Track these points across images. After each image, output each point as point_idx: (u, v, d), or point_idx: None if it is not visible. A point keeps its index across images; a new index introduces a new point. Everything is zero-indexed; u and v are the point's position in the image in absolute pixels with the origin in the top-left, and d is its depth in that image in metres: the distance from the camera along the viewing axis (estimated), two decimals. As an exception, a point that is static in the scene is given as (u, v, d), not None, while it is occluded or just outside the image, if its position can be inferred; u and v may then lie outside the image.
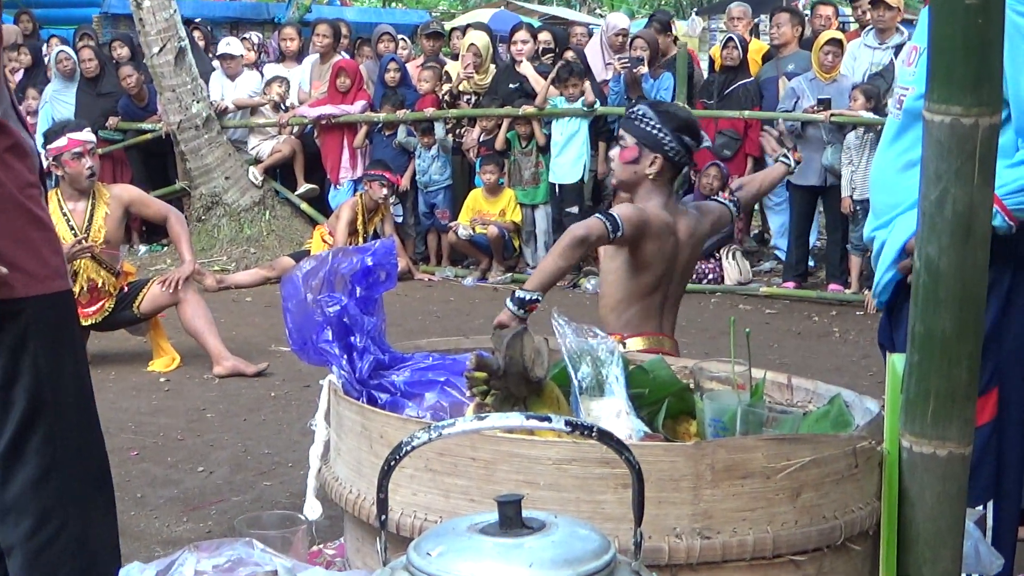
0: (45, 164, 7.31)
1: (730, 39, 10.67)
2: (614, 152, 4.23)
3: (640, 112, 4.17)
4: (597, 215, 3.94)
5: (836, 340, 8.50)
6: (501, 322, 3.60)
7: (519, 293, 3.70)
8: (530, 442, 2.02)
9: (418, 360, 2.65)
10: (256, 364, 7.39)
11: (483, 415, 1.64)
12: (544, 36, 11.46)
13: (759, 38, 12.09)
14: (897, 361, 2.10)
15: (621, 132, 4.21)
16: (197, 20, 14.08)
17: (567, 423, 1.56)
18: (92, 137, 7.39)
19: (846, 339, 8.47)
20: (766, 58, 11.02)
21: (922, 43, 3.29)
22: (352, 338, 2.55)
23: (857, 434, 2.17)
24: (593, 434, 1.57)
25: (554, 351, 2.46)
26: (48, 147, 7.18)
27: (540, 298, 3.69)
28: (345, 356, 2.52)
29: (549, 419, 1.57)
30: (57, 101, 11.98)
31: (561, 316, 2.54)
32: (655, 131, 4.09)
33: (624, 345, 4.03)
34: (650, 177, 4.10)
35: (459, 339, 2.92)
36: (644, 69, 10.49)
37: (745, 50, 10.67)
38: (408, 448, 1.56)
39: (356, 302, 2.56)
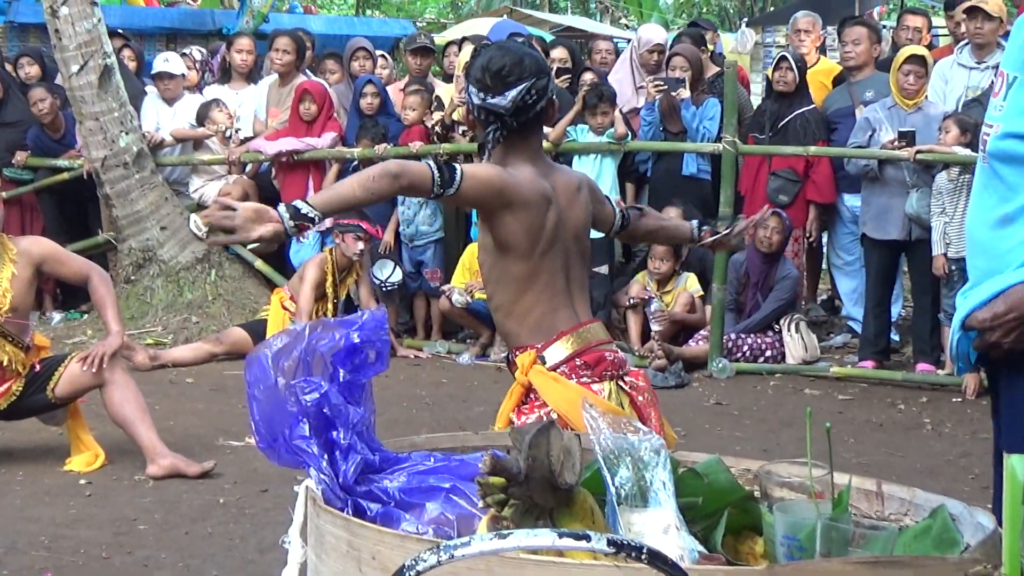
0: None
1: (783, 58, 10.69)
2: None
3: None
4: (429, 161, 4.01)
5: (928, 434, 8.49)
6: (262, 237, 3.60)
7: (298, 202, 3.69)
8: (561, 566, 2.03)
9: (416, 461, 2.65)
10: (200, 463, 7.38)
11: (503, 531, 1.64)
12: (558, 52, 11.54)
13: (825, 55, 12.15)
14: (1017, 463, 2.11)
15: None
16: (121, 31, 14.16)
17: (610, 542, 1.57)
18: None
19: (940, 432, 8.47)
20: (837, 81, 11.02)
21: (1011, 68, 3.33)
22: (334, 433, 2.56)
23: (968, 556, 2.18)
24: (643, 556, 1.57)
25: (586, 450, 2.47)
26: None
27: (317, 218, 3.69)
28: (326, 456, 2.53)
29: (588, 537, 1.58)
30: (-48, 132, 12.06)
31: (594, 408, 2.56)
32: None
33: (544, 361, 4.15)
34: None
35: (467, 435, 2.93)
36: (685, 93, 10.54)
37: (802, 71, 10.71)
38: (411, 573, 1.57)
39: (339, 388, 2.57)
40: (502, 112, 4.11)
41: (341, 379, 2.58)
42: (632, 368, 4.38)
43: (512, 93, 4.10)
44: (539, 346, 4.16)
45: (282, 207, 3.65)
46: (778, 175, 10.56)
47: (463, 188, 3.90)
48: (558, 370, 4.15)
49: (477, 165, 4.10)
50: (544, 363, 4.14)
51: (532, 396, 4.19)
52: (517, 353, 4.21)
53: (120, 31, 14.29)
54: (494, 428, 4.20)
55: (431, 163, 3.92)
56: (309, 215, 3.64)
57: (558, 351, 4.14)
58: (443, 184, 3.86)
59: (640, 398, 4.25)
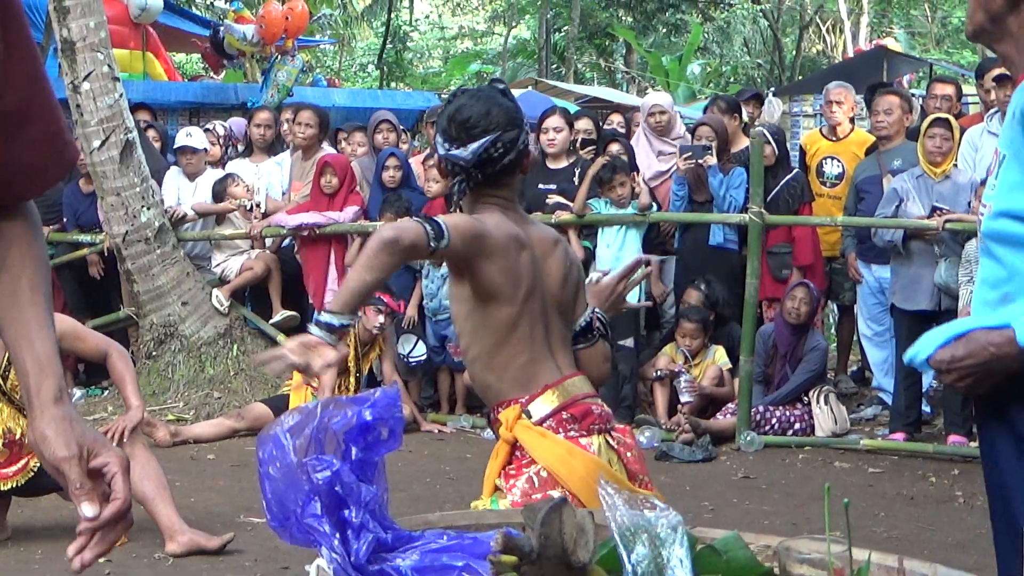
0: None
1: (760, 134, 10.84)
2: None
3: None
4: (415, 218, 3.97)
5: (960, 507, 8.44)
6: (303, 344, 3.63)
7: (324, 316, 3.69)
8: (573, 645, 2.03)
9: (429, 539, 2.65)
10: (220, 536, 7.36)
11: (514, 611, 1.65)
12: (583, 124, 11.61)
13: (853, 123, 12.19)
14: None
15: None
16: (146, 105, 14.29)
17: (620, 622, 1.57)
18: None
19: (972, 505, 8.40)
20: (870, 151, 11.01)
21: (1003, 147, 3.36)
22: (346, 512, 2.56)
23: (988, 634, 2.17)
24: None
25: (601, 527, 2.47)
26: None
27: (350, 322, 3.73)
28: (337, 535, 2.53)
29: (597, 617, 1.58)
30: (-28, 208, 12.13)
31: (609, 484, 2.56)
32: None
33: (530, 415, 4.08)
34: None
35: (481, 512, 2.94)
36: (712, 160, 10.60)
37: (780, 144, 10.93)
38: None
39: (351, 466, 2.57)
40: (463, 165, 4.07)
41: (354, 457, 2.59)
42: (618, 424, 4.30)
43: (474, 146, 4.05)
44: (523, 400, 4.09)
45: (314, 328, 3.69)
46: (773, 252, 10.66)
47: (452, 239, 3.85)
48: (544, 424, 4.08)
49: (451, 215, 4.06)
50: (530, 417, 4.08)
51: (518, 455, 4.11)
52: (499, 409, 4.15)
53: (146, 105, 14.46)
54: (481, 495, 4.17)
55: (418, 219, 3.89)
56: (341, 324, 3.69)
57: (543, 405, 4.08)
58: (436, 237, 3.82)
59: (629, 454, 4.19)
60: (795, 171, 10.91)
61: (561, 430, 4.07)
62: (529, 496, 3.97)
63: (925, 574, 2.69)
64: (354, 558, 2.54)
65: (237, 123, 14.35)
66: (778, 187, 10.66)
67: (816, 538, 2.68)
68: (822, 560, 2.61)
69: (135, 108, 13.82)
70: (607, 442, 4.14)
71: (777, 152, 10.76)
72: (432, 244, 3.82)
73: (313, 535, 2.55)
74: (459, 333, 4.23)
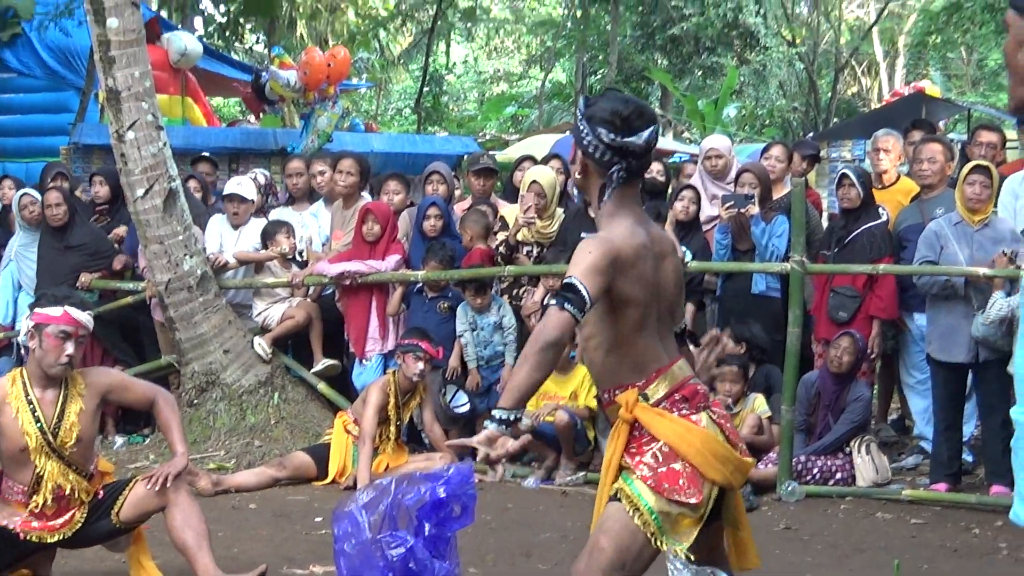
0: (23, 330, 7.41)
1: (844, 175, 10.74)
2: None
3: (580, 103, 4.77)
4: (558, 299, 4.38)
5: (1004, 559, 8.37)
6: (488, 438, 4.31)
7: (499, 413, 4.32)
8: None
9: (501, 614, 2.69)
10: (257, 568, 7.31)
11: None
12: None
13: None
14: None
15: None
16: (206, 153, 14.44)
17: None
18: (90, 324, 7.37)
19: (1016, 558, 8.35)
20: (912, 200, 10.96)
21: None
22: (420, 588, 2.60)
23: None
24: None
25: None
26: (36, 310, 7.21)
27: (520, 416, 4.31)
28: (412, 611, 2.57)
29: None
30: (23, 259, 12.22)
31: (677, 559, 2.59)
32: (578, 124, 4.70)
33: (647, 398, 4.62)
34: (588, 184, 4.76)
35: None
36: (755, 209, 10.63)
37: (866, 187, 10.73)
38: None
39: (424, 542, 2.61)
40: (635, 150, 4.60)
41: (427, 533, 2.63)
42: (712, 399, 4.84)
43: (645, 134, 4.61)
44: (640, 384, 4.62)
45: (490, 424, 4.36)
46: (837, 292, 10.57)
47: (594, 296, 4.37)
48: (660, 405, 4.61)
49: (582, 263, 4.44)
50: (647, 400, 4.61)
51: (636, 434, 4.64)
52: (616, 392, 4.66)
53: (205, 154, 14.63)
54: (606, 474, 4.68)
55: (562, 303, 4.34)
56: (515, 417, 4.32)
57: (658, 388, 4.62)
58: (581, 310, 4.33)
59: (727, 425, 4.74)
60: (882, 220, 10.70)
61: (675, 410, 4.62)
62: (655, 470, 4.52)
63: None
64: (428, 634, 2.57)
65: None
66: (859, 231, 10.56)
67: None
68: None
69: (196, 160, 14.01)
70: (710, 416, 4.68)
71: (863, 195, 10.65)
72: (581, 318, 4.35)
73: (388, 611, 2.59)
74: (584, 322, 4.64)
